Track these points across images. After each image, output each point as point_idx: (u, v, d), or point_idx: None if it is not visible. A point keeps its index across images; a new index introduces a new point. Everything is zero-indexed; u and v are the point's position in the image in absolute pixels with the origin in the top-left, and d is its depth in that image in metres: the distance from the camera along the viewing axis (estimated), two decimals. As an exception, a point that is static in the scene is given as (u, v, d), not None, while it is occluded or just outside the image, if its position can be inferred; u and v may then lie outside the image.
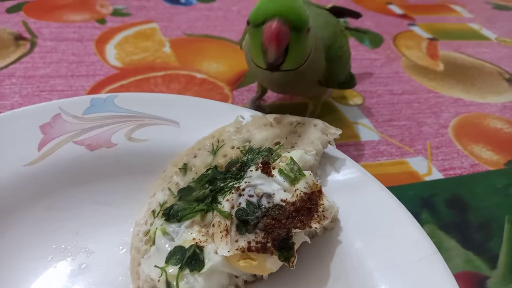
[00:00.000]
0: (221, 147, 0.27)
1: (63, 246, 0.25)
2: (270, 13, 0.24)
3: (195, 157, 0.27)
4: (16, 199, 0.25)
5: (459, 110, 0.46)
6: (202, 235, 0.23)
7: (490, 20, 0.71)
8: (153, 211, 0.25)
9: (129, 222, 0.26)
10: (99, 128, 0.28)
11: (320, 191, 0.23)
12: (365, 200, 0.25)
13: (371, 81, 0.49)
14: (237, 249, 0.21)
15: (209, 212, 0.23)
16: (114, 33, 0.49)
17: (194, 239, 0.22)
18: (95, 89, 0.40)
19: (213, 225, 0.23)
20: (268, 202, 0.22)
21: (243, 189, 0.23)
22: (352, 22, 0.60)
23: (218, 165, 0.26)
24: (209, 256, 0.22)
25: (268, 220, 0.22)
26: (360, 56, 0.53)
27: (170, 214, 0.24)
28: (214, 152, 0.26)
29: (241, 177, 0.24)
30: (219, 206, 0.23)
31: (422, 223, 0.31)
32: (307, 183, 0.23)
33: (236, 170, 0.25)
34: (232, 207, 0.23)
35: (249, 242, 0.21)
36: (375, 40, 0.58)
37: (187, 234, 0.23)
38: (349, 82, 0.37)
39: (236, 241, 0.22)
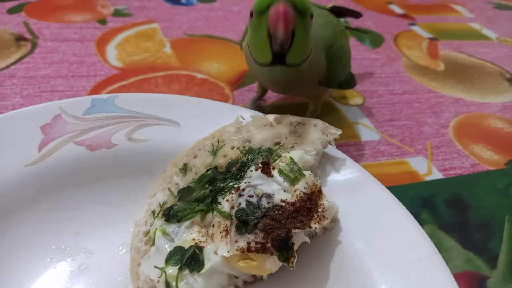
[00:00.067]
0: (221, 147, 0.27)
1: (63, 246, 0.25)
2: None
3: (195, 157, 0.27)
4: (17, 200, 0.25)
5: (459, 110, 0.46)
6: (202, 236, 0.23)
7: (491, 20, 0.71)
8: (153, 212, 0.25)
9: (129, 223, 0.26)
10: (100, 128, 0.28)
11: (320, 191, 0.23)
12: (365, 200, 0.25)
13: (372, 81, 0.49)
14: (236, 250, 0.21)
15: (209, 212, 0.23)
16: (115, 34, 0.50)
17: (193, 239, 0.22)
18: (96, 90, 0.40)
19: (213, 226, 0.23)
20: (268, 203, 0.22)
21: (243, 190, 0.23)
22: (353, 22, 0.60)
23: (218, 165, 0.26)
24: (208, 257, 0.22)
25: (267, 221, 0.22)
26: (360, 56, 0.53)
27: (170, 215, 0.24)
28: (214, 152, 0.26)
29: (241, 178, 0.24)
30: (219, 206, 0.23)
31: (422, 223, 0.31)
32: (307, 183, 0.23)
33: (236, 170, 0.25)
34: (232, 208, 0.23)
35: (248, 243, 0.21)
36: (376, 40, 0.58)
37: (186, 235, 0.23)
38: (349, 82, 0.37)
39: (236, 241, 0.22)
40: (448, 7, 0.74)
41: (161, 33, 0.51)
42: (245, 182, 0.23)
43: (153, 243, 0.23)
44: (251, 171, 0.24)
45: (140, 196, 0.27)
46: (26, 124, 0.27)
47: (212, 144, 0.27)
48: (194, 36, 0.52)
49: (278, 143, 0.26)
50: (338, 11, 0.39)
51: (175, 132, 0.29)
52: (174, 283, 0.21)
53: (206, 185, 0.25)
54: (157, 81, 0.43)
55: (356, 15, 0.43)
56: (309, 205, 0.22)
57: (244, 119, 0.28)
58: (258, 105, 0.39)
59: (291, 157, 0.24)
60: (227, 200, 0.23)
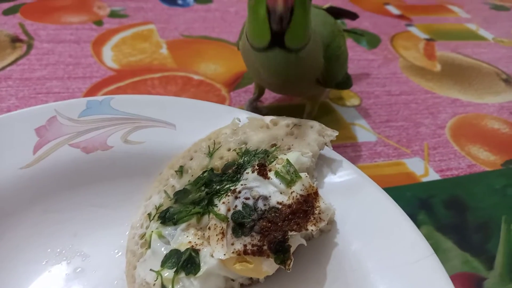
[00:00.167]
0: (217, 149, 0.26)
1: (58, 249, 0.25)
2: None
3: (191, 159, 0.27)
4: (12, 203, 0.25)
5: (456, 110, 0.46)
6: (198, 238, 0.23)
7: (488, 21, 0.71)
8: (149, 214, 0.25)
9: (125, 225, 0.26)
10: (95, 130, 0.28)
11: (316, 193, 0.23)
12: (361, 202, 0.25)
13: (368, 82, 0.49)
14: (233, 252, 0.21)
15: (205, 215, 0.23)
16: (111, 35, 0.49)
17: (190, 242, 0.22)
18: (91, 91, 0.40)
19: (209, 228, 0.23)
20: (264, 205, 0.22)
21: (239, 192, 0.23)
22: (349, 23, 0.60)
23: (215, 167, 0.25)
24: (205, 260, 0.21)
25: (264, 223, 0.22)
26: (357, 57, 0.53)
27: (166, 217, 0.24)
28: (210, 154, 0.26)
29: (238, 180, 0.24)
30: (215, 208, 0.23)
31: (419, 224, 0.32)
32: (303, 185, 0.23)
33: (232, 172, 0.25)
34: (228, 210, 0.22)
35: (245, 245, 0.21)
36: (373, 41, 0.58)
37: (183, 237, 0.23)
38: (346, 82, 0.37)
39: (232, 244, 0.21)
40: (444, 8, 0.74)
41: (158, 34, 0.51)
42: (242, 184, 0.23)
43: (149, 246, 0.23)
44: (248, 173, 0.24)
45: (136, 199, 0.27)
46: (20, 126, 0.27)
47: (208, 146, 0.27)
48: (190, 37, 0.52)
49: (274, 145, 0.26)
50: (335, 12, 0.39)
51: (171, 134, 0.28)
52: (170, 286, 0.21)
53: (202, 188, 0.24)
54: (154, 83, 0.42)
55: (353, 16, 0.43)
56: (306, 207, 0.22)
57: (240, 121, 0.28)
58: (255, 107, 0.39)
59: (287, 159, 0.24)
60: (223, 203, 0.23)
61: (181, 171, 0.26)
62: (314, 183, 0.24)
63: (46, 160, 0.26)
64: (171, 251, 0.22)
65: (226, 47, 0.51)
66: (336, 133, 0.27)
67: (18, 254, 0.24)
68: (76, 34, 0.49)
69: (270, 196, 0.23)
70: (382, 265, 0.22)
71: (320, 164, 0.27)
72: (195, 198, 0.24)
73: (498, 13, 0.76)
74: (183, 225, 0.23)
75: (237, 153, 0.26)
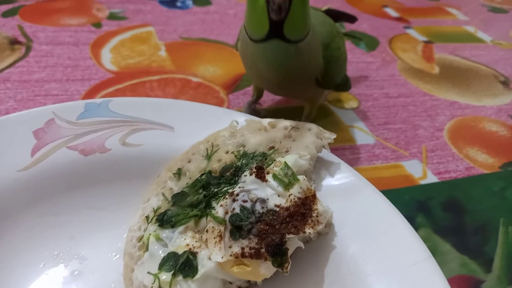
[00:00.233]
0: (215, 151, 0.26)
1: (56, 252, 0.24)
2: None
3: (189, 162, 0.27)
4: (10, 205, 0.25)
5: (454, 113, 0.46)
6: (196, 241, 0.23)
7: (486, 23, 0.71)
8: (147, 217, 0.25)
9: (123, 228, 0.26)
10: (93, 133, 0.28)
11: (314, 196, 0.23)
12: (359, 204, 0.25)
13: (367, 84, 0.49)
14: (230, 255, 0.21)
15: (203, 217, 0.23)
16: (110, 37, 0.49)
17: (187, 245, 0.22)
18: (90, 94, 0.40)
19: (207, 231, 0.23)
20: (262, 207, 0.22)
21: (237, 194, 0.23)
22: (348, 26, 0.61)
23: (212, 170, 0.25)
24: (202, 262, 0.21)
25: (262, 226, 0.22)
26: (355, 59, 0.53)
27: (164, 220, 0.24)
28: (208, 157, 0.26)
29: (235, 182, 0.24)
30: (213, 211, 0.23)
31: (417, 226, 0.32)
32: (301, 188, 0.23)
33: (230, 175, 0.25)
34: (226, 213, 0.22)
35: (242, 248, 0.21)
36: (371, 43, 0.58)
37: (180, 240, 0.23)
38: (345, 84, 0.37)
39: (230, 247, 0.21)
40: (443, 10, 0.74)
41: (156, 36, 0.51)
42: (239, 187, 0.23)
43: (147, 249, 0.23)
44: (245, 175, 0.24)
45: (134, 201, 0.27)
46: (18, 129, 0.27)
47: (207, 148, 0.27)
48: (189, 40, 0.52)
49: (272, 147, 0.26)
50: (334, 14, 0.39)
51: (169, 136, 0.28)
52: (167, 289, 0.21)
53: (200, 190, 0.24)
54: (152, 85, 0.42)
55: (352, 19, 0.43)
56: (303, 210, 0.22)
57: (238, 123, 0.28)
58: (254, 109, 0.39)
59: (285, 162, 0.24)
60: (221, 205, 0.23)
61: (179, 173, 0.26)
62: (312, 185, 0.24)
63: (44, 163, 0.26)
64: (169, 253, 0.22)
65: (225, 49, 0.51)
66: (334, 136, 0.27)
67: (15, 257, 0.24)
68: (75, 36, 0.49)
69: (268, 199, 0.23)
70: (379, 268, 0.22)
71: (318, 167, 0.27)
72: (193, 200, 0.24)
73: (496, 15, 0.76)
74: (181, 228, 0.23)
75: (235, 156, 0.26)
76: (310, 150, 0.26)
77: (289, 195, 0.23)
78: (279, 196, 0.23)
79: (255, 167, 0.24)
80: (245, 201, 0.23)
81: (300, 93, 0.35)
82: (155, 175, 0.27)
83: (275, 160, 0.25)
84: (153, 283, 0.21)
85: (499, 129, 0.44)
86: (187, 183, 0.25)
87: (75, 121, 0.28)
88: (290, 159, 0.25)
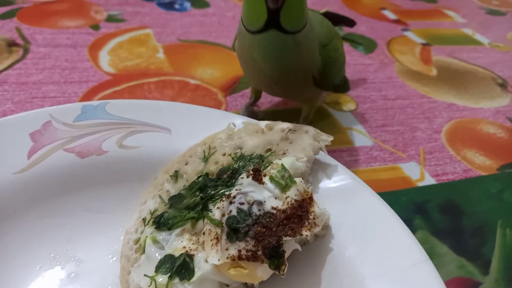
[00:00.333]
0: (212, 154, 0.26)
1: (52, 255, 0.24)
2: None
3: (186, 164, 0.27)
4: (6, 208, 0.25)
5: (452, 115, 0.46)
6: (193, 243, 0.22)
7: (484, 25, 0.72)
8: (144, 219, 0.25)
9: (120, 230, 0.26)
10: (90, 135, 0.28)
11: (311, 198, 0.23)
12: (356, 207, 0.25)
13: (365, 87, 0.49)
14: (227, 258, 0.21)
15: (199, 220, 0.23)
16: (108, 39, 0.49)
17: (184, 247, 0.22)
18: (88, 96, 0.40)
19: (204, 233, 0.22)
20: (259, 210, 0.22)
21: (234, 197, 0.23)
22: (346, 28, 0.61)
23: (210, 172, 0.25)
24: (199, 265, 0.21)
25: (258, 228, 0.22)
26: (353, 62, 0.53)
27: (161, 222, 0.24)
28: (205, 159, 0.26)
29: (232, 185, 0.24)
30: (210, 213, 0.23)
31: (415, 229, 0.32)
32: (298, 190, 0.23)
33: (227, 177, 0.25)
34: (223, 215, 0.22)
35: (239, 250, 0.21)
36: (369, 46, 0.58)
37: (177, 243, 0.23)
38: (344, 86, 0.37)
39: (227, 249, 0.21)
40: (441, 13, 0.74)
41: (155, 38, 0.51)
42: (236, 189, 0.23)
43: (143, 251, 0.23)
44: (242, 178, 0.24)
45: (131, 204, 0.26)
46: (15, 131, 0.27)
47: (204, 151, 0.27)
48: (187, 42, 0.52)
49: (269, 149, 0.26)
50: (332, 18, 0.39)
51: (166, 138, 0.28)
52: (164, 292, 0.21)
53: (197, 192, 0.24)
54: (150, 87, 0.42)
55: (350, 23, 0.43)
56: (300, 212, 0.22)
57: (235, 126, 0.28)
58: (251, 111, 0.39)
59: (282, 164, 0.24)
60: (218, 208, 0.23)
61: (176, 176, 0.26)
62: (309, 188, 0.24)
63: (40, 165, 0.26)
64: (166, 256, 0.22)
65: (223, 52, 0.51)
66: (331, 138, 0.27)
67: (12, 259, 0.24)
68: (72, 38, 0.49)
69: (264, 201, 0.23)
70: (376, 270, 0.22)
71: (315, 169, 0.27)
72: (190, 203, 0.24)
73: (494, 17, 0.76)
74: (177, 230, 0.23)
75: (232, 158, 0.26)
76: (307, 152, 0.26)
77: (286, 198, 0.23)
78: (276, 198, 0.23)
79: (252, 170, 0.24)
80: (242, 204, 0.23)
81: (297, 93, 0.35)
82: (152, 177, 0.27)
83: (272, 162, 0.25)
84: (149, 286, 0.21)
85: (496, 131, 0.45)
86: (184, 186, 0.25)
87: (72, 123, 0.28)
88: (287, 161, 0.25)
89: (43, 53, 0.45)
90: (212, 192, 0.24)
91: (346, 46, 0.56)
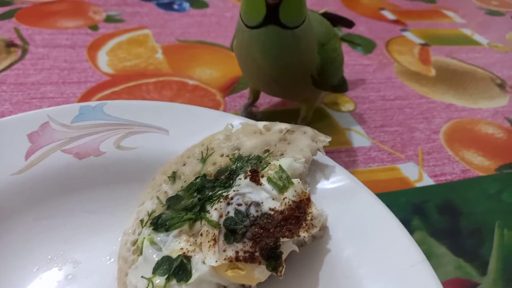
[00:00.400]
0: (210, 155, 0.26)
1: (50, 256, 0.24)
2: None
3: (184, 165, 0.27)
4: (3, 209, 0.25)
5: (451, 115, 0.46)
6: (190, 245, 0.22)
7: (482, 26, 0.72)
8: (141, 220, 0.24)
9: (118, 231, 0.26)
10: (88, 136, 0.28)
11: (308, 199, 0.23)
12: (354, 208, 0.25)
13: (364, 87, 0.49)
14: (225, 259, 0.21)
15: (197, 221, 0.23)
16: (107, 40, 0.49)
17: (181, 248, 0.22)
18: (86, 96, 0.40)
19: (201, 235, 0.22)
20: (257, 211, 0.22)
21: (232, 198, 0.23)
22: (345, 29, 0.61)
23: (207, 173, 0.25)
24: (196, 266, 0.21)
25: (256, 229, 0.22)
26: (352, 62, 0.53)
27: (158, 223, 0.24)
28: (203, 160, 0.26)
29: (230, 186, 0.24)
30: (208, 215, 0.23)
31: (413, 229, 0.32)
32: (295, 191, 0.23)
33: (225, 178, 0.25)
34: (221, 216, 0.22)
35: (237, 252, 0.21)
36: (368, 46, 0.58)
37: (174, 244, 0.23)
38: (342, 86, 0.37)
39: (224, 250, 0.21)
40: (440, 13, 0.74)
41: (153, 39, 0.51)
42: (234, 190, 0.23)
43: (141, 253, 0.23)
44: (240, 179, 0.24)
45: (129, 205, 0.26)
46: (13, 132, 0.27)
47: (201, 151, 0.27)
48: (186, 42, 0.52)
49: (267, 150, 0.26)
50: (331, 18, 0.39)
51: (164, 139, 0.28)
52: (161, 294, 0.21)
53: (195, 194, 0.24)
54: (149, 88, 0.42)
55: (349, 24, 0.43)
56: (298, 213, 0.22)
57: (233, 127, 0.28)
58: (250, 112, 0.39)
59: (280, 165, 0.24)
60: (215, 209, 0.23)
61: (174, 177, 0.26)
62: (306, 189, 0.24)
63: (38, 166, 0.26)
64: (163, 257, 0.22)
65: (222, 52, 0.51)
66: (329, 139, 0.27)
67: (9, 260, 0.24)
68: (71, 39, 0.48)
69: (262, 202, 0.23)
70: (374, 271, 0.22)
71: (313, 170, 0.27)
72: (188, 204, 0.24)
73: (493, 18, 0.76)
74: (175, 232, 0.23)
75: (230, 159, 0.26)
76: (305, 153, 0.26)
77: (284, 199, 0.23)
78: (273, 199, 0.23)
79: (249, 171, 0.24)
80: (239, 205, 0.23)
81: (296, 92, 0.35)
82: (150, 178, 0.27)
83: (270, 163, 0.25)
84: (146, 287, 0.21)
85: (495, 132, 0.45)
86: (181, 187, 0.25)
87: (69, 124, 0.28)
88: (284, 162, 0.25)
89: (42, 54, 0.45)
90: (210, 193, 0.24)
91: (345, 47, 0.56)
